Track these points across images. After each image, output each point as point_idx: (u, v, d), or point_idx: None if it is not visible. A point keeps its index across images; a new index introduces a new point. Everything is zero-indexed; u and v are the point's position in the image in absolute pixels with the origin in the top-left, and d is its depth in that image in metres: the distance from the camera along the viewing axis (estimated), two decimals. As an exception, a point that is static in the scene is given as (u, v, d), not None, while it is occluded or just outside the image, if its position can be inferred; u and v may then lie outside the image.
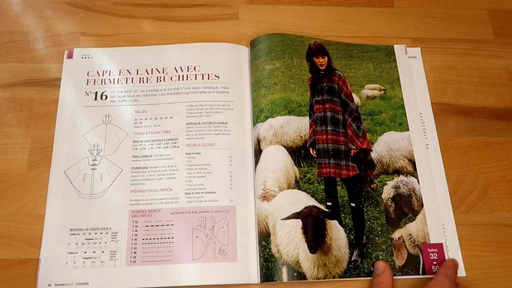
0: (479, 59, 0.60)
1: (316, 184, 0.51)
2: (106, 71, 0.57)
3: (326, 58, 0.56)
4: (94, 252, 0.48)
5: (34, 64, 0.58)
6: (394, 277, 0.47)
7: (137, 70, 0.57)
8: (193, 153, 0.52)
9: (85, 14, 0.61)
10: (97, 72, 0.57)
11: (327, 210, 0.49)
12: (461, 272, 0.48)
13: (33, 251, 0.48)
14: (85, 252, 0.48)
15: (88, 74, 0.57)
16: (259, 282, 0.47)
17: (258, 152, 0.52)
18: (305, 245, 0.47)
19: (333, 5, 0.63)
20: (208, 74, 0.57)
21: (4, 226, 0.50)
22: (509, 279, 0.49)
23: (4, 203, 0.51)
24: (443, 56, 0.60)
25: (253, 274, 0.47)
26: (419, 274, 0.47)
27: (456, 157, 0.54)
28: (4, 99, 0.56)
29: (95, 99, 0.55)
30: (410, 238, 0.49)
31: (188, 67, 0.57)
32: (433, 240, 0.49)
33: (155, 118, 0.54)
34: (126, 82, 0.56)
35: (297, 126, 0.53)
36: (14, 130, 0.54)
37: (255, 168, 0.52)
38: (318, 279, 0.47)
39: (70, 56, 0.58)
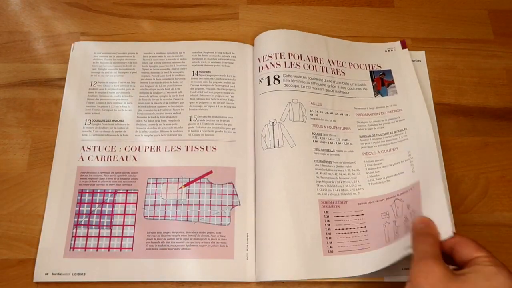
0: (479, 59, 0.60)
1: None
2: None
3: None
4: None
5: (34, 64, 0.58)
6: None
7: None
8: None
9: (85, 14, 0.61)
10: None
11: None
12: None
13: (33, 251, 0.48)
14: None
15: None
16: None
17: None
18: None
19: (333, 5, 0.63)
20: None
21: (4, 226, 0.50)
22: (509, 279, 0.49)
23: (4, 203, 0.51)
24: (443, 56, 0.60)
25: None
26: None
27: (456, 157, 0.54)
28: (4, 99, 0.56)
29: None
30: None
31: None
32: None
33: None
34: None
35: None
36: (14, 130, 0.54)
37: None
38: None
39: None
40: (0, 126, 0.54)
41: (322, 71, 0.57)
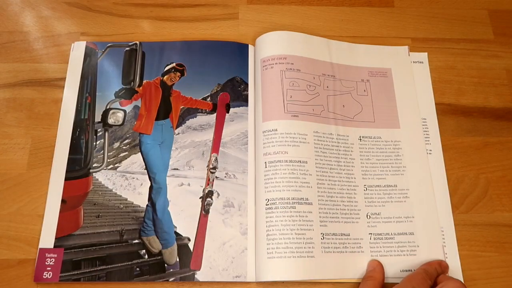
0: (479, 59, 0.60)
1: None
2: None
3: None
4: None
5: (34, 64, 0.58)
6: None
7: None
8: None
9: (85, 14, 0.61)
10: None
11: None
12: (459, 276, 0.48)
13: (33, 251, 0.48)
14: None
15: None
16: None
17: None
18: None
19: (333, 5, 0.63)
20: None
21: (4, 226, 0.50)
22: (509, 279, 0.49)
23: (4, 203, 0.51)
24: (443, 56, 0.60)
25: None
26: None
27: (456, 157, 0.54)
28: (4, 99, 0.56)
29: None
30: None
31: None
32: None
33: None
34: None
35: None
36: (14, 130, 0.54)
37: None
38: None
39: None
40: (0, 126, 0.54)
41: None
